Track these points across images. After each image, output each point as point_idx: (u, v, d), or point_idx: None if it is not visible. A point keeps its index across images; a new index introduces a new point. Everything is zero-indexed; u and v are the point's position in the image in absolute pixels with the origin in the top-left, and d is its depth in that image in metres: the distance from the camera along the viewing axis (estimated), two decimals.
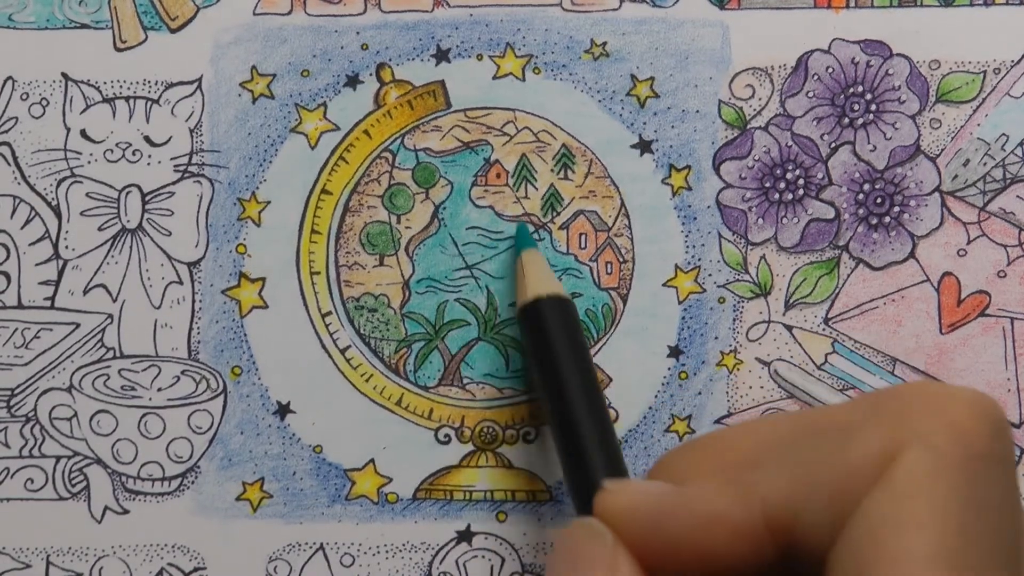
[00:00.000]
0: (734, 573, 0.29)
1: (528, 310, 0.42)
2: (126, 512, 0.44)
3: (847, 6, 0.46)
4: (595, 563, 0.30)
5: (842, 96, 0.45)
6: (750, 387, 0.44)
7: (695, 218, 0.45)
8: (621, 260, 0.45)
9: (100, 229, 0.45)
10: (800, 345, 0.45)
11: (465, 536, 0.44)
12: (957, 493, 0.26)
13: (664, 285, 0.45)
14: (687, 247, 0.45)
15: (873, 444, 0.27)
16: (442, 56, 0.45)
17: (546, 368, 0.41)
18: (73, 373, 0.44)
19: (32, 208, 0.45)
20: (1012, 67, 0.45)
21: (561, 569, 0.31)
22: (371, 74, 0.45)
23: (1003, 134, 0.45)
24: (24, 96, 0.45)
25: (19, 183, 0.45)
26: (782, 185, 0.45)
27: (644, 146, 0.45)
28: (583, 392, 0.40)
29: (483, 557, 0.44)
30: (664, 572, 0.30)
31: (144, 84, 0.45)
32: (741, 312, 0.45)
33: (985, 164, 0.45)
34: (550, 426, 0.41)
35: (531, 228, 0.45)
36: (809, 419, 0.31)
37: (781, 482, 0.28)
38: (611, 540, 0.30)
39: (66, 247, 0.45)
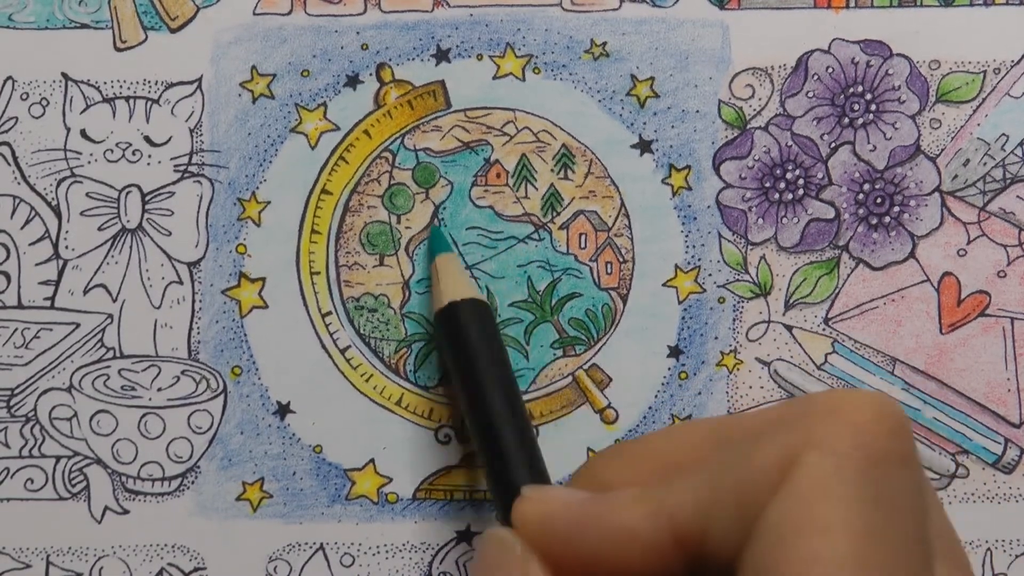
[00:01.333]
0: None
1: (444, 315, 0.42)
2: (126, 512, 0.44)
3: (847, 6, 0.46)
4: (508, 572, 0.31)
5: (842, 96, 0.45)
6: (750, 387, 0.44)
7: (695, 218, 0.45)
8: (621, 260, 0.45)
9: (100, 229, 0.45)
10: (800, 345, 0.45)
11: (465, 536, 0.44)
12: (860, 495, 0.26)
13: (664, 285, 0.45)
14: (687, 247, 0.45)
15: (774, 450, 0.27)
16: (442, 56, 0.45)
17: (464, 372, 0.40)
18: (73, 373, 0.44)
19: (32, 208, 0.45)
20: (1012, 67, 0.45)
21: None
22: (371, 74, 0.45)
23: (1003, 134, 0.45)
24: (24, 96, 0.45)
25: (19, 183, 0.45)
26: (782, 185, 0.45)
27: (644, 146, 0.45)
28: (503, 396, 0.39)
29: None
30: None
31: (144, 84, 0.45)
32: (741, 312, 0.45)
33: (985, 164, 0.45)
34: (470, 431, 0.41)
35: (443, 227, 0.44)
36: (722, 427, 0.31)
37: (690, 495, 0.29)
38: (521, 550, 0.31)
39: (66, 247, 0.45)
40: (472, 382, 0.40)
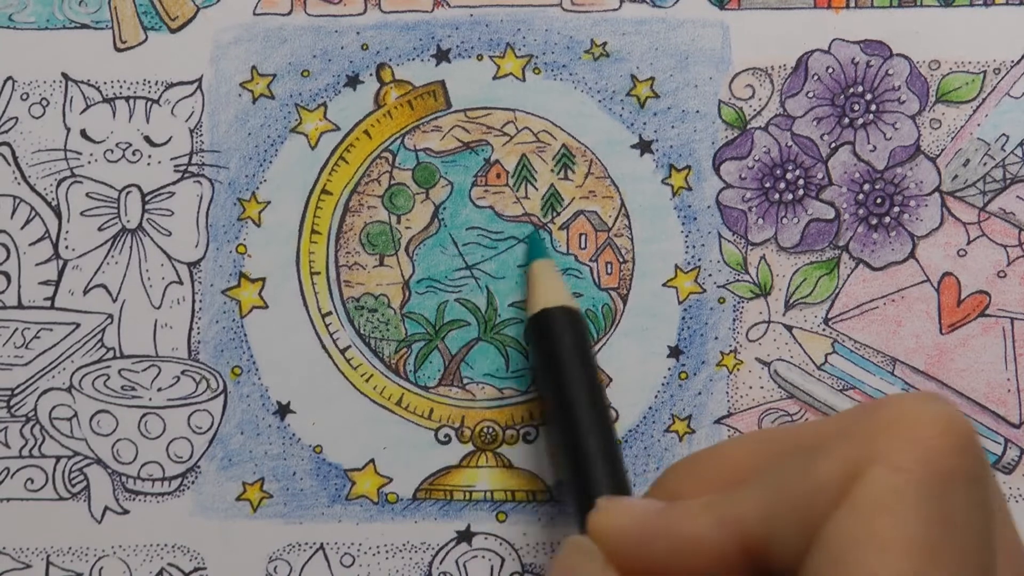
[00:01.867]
0: None
1: (536, 321, 0.42)
2: (126, 512, 0.44)
3: (847, 6, 0.46)
4: None
5: (842, 96, 0.45)
6: (750, 387, 0.44)
7: (695, 218, 0.45)
8: (621, 260, 0.45)
9: (100, 229, 0.45)
10: (800, 345, 0.45)
11: (465, 536, 0.44)
12: (921, 512, 0.26)
13: (664, 285, 0.45)
14: (687, 247, 0.45)
15: (838, 463, 0.27)
16: (442, 56, 0.45)
17: (552, 381, 0.40)
18: (73, 373, 0.44)
19: (32, 208, 0.45)
20: (1012, 67, 0.45)
21: None
22: (371, 74, 0.45)
23: (1003, 134, 0.45)
24: (24, 96, 0.45)
25: (19, 183, 0.45)
26: (782, 185, 0.45)
27: (644, 146, 0.45)
28: (589, 405, 0.39)
29: (483, 557, 0.44)
30: None
31: (144, 84, 0.45)
32: (741, 312, 0.45)
33: (985, 164, 0.45)
34: (554, 437, 0.41)
35: (544, 236, 0.45)
36: (791, 435, 0.31)
37: (755, 504, 0.29)
38: (600, 559, 0.31)
39: (66, 247, 0.45)
40: (559, 390, 0.40)
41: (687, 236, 0.45)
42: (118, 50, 0.45)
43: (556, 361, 0.41)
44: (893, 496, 0.26)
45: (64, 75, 0.45)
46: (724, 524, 0.29)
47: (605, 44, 0.45)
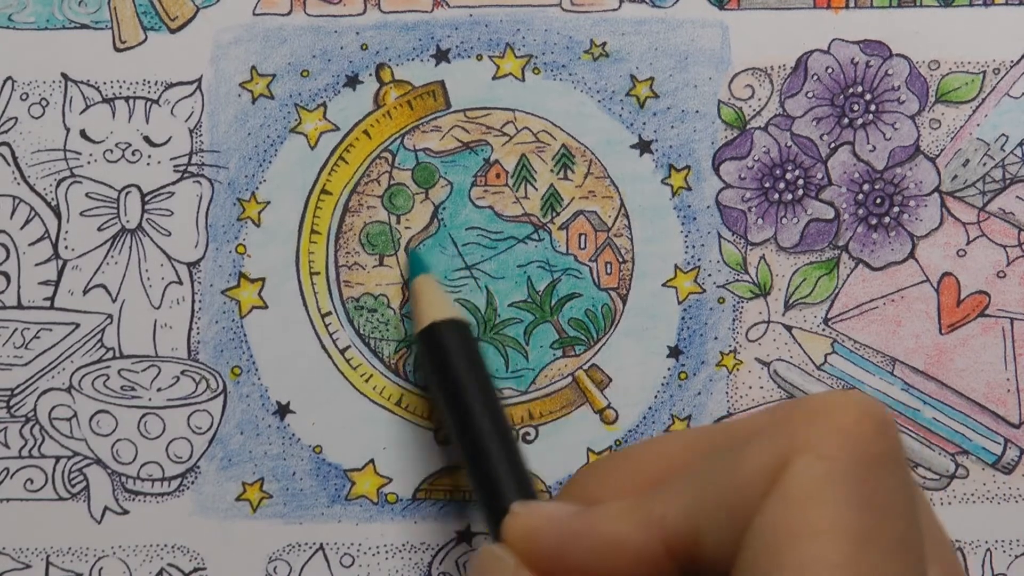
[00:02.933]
0: None
1: (425, 336, 0.42)
2: (126, 512, 0.44)
3: (846, 6, 0.46)
4: None
5: (842, 96, 0.45)
6: (750, 387, 0.44)
7: (695, 218, 0.45)
8: (621, 260, 0.45)
9: (100, 229, 0.45)
10: (800, 345, 0.45)
11: (465, 536, 0.44)
12: (850, 498, 0.26)
13: (664, 285, 0.45)
14: (687, 247, 0.45)
15: (763, 456, 0.27)
16: (442, 56, 0.45)
17: (448, 392, 0.40)
18: (73, 373, 0.44)
19: (32, 208, 0.45)
20: (1012, 67, 0.45)
21: None
22: (371, 74, 0.45)
23: (1003, 134, 0.45)
24: (24, 96, 0.45)
25: (19, 183, 0.45)
26: (782, 185, 0.45)
27: (644, 146, 0.45)
28: (487, 413, 0.39)
29: None
30: None
31: (144, 84, 0.45)
32: (741, 312, 0.45)
33: (985, 164, 0.45)
34: (457, 450, 0.41)
35: (420, 248, 0.45)
36: (711, 435, 0.31)
37: (680, 503, 0.29)
38: (513, 564, 0.31)
39: (66, 247, 0.45)
40: (457, 401, 0.40)
41: (687, 236, 0.45)
42: (118, 50, 0.45)
43: (450, 374, 0.40)
44: (821, 483, 0.26)
45: (64, 75, 0.45)
46: (647, 525, 0.29)
47: (605, 44, 0.45)
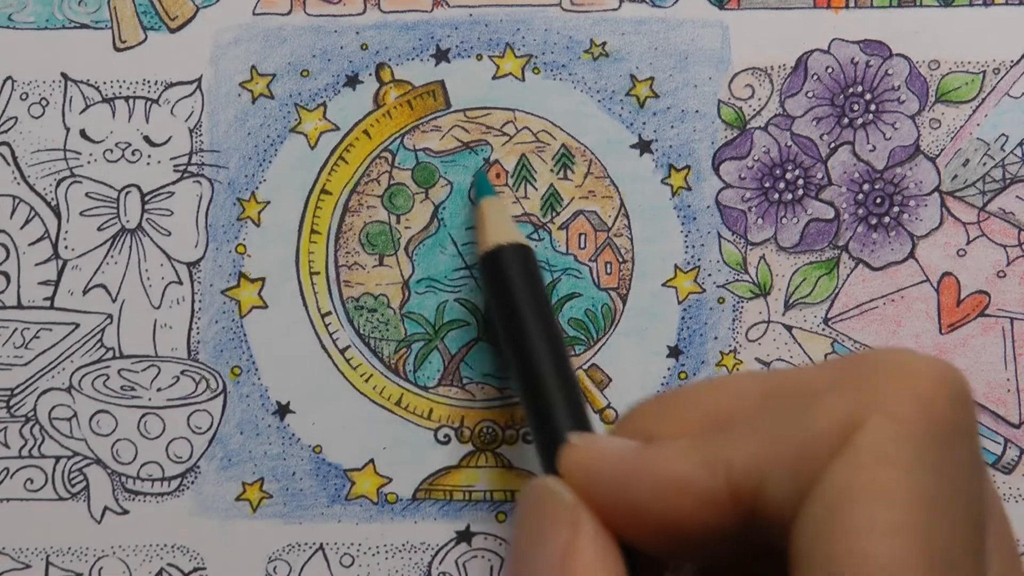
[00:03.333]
0: (697, 537, 0.28)
1: (488, 259, 0.41)
2: (126, 512, 0.44)
3: (847, 6, 0.46)
4: (557, 522, 0.29)
5: (841, 96, 0.45)
6: None
7: (695, 218, 0.45)
8: (621, 260, 0.45)
9: (100, 229, 0.45)
10: (800, 345, 0.45)
11: (465, 536, 0.44)
12: (921, 463, 0.26)
13: (664, 285, 0.45)
14: (687, 247, 0.45)
15: (837, 411, 0.27)
16: (442, 56, 0.45)
17: (507, 317, 0.39)
18: (73, 373, 0.44)
19: (32, 208, 0.45)
20: (1012, 67, 0.45)
21: (524, 528, 0.30)
22: (371, 74, 0.45)
23: (1003, 134, 0.45)
24: (24, 96, 0.45)
25: (19, 183, 0.45)
26: (782, 185, 0.45)
27: (644, 146, 0.45)
28: (546, 341, 0.38)
29: (483, 557, 0.44)
30: (629, 530, 0.29)
31: (144, 84, 0.45)
32: (741, 312, 0.45)
33: (985, 164, 0.45)
34: (513, 378, 0.40)
35: (486, 169, 0.44)
36: (779, 381, 0.29)
37: (748, 450, 0.27)
38: (571, 500, 0.29)
39: (66, 247, 0.45)
40: (515, 327, 0.39)
41: (687, 236, 0.45)
42: (117, 50, 0.45)
43: (510, 298, 0.39)
44: (895, 446, 0.26)
45: (63, 75, 0.45)
46: (713, 467, 0.27)
47: (604, 44, 0.45)
